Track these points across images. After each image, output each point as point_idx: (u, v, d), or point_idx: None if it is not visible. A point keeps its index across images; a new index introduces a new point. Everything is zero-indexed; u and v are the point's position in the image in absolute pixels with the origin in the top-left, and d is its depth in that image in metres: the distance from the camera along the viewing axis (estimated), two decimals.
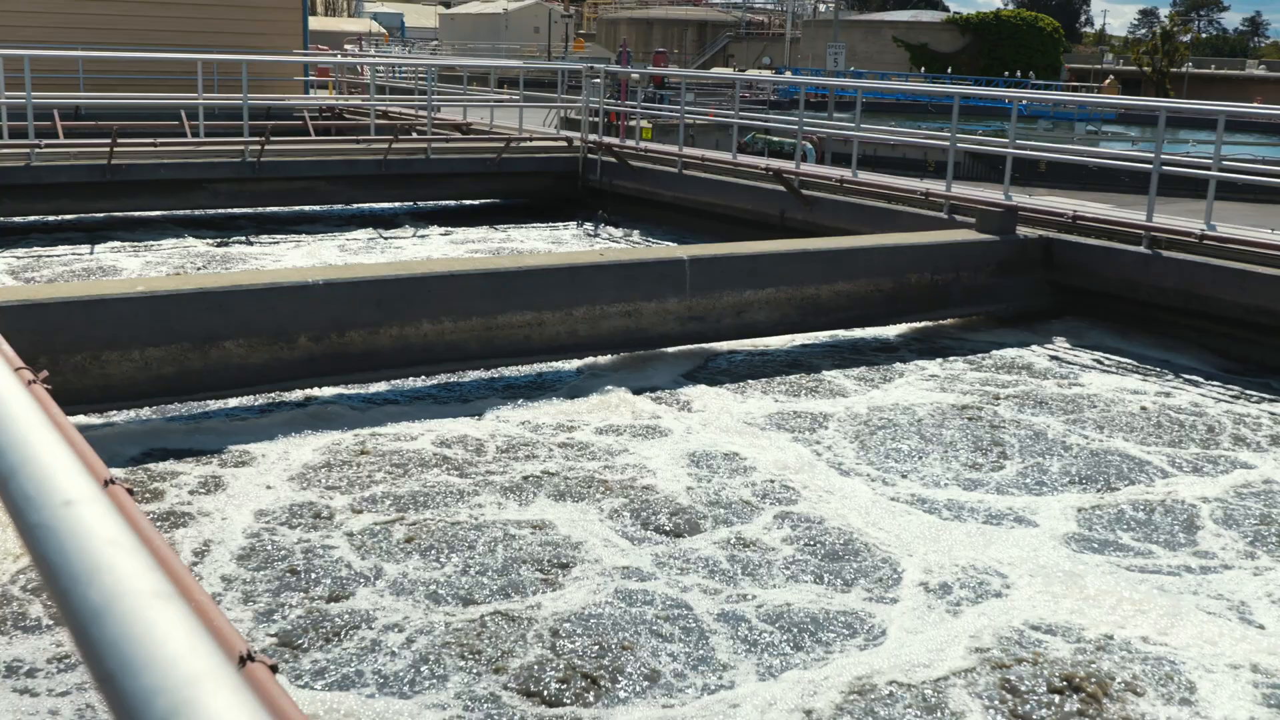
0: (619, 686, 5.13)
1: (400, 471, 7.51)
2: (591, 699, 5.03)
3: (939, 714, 5.00)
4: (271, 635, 5.47)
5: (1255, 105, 15.14)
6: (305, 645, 5.40)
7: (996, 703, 5.11)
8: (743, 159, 16.92)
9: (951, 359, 10.84)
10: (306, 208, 17.98)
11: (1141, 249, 11.57)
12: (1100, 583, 6.31)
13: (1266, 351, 10.71)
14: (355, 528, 6.65)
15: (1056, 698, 5.17)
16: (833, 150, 22.25)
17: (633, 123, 20.19)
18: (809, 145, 22.29)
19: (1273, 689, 5.31)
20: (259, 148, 16.41)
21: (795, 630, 5.68)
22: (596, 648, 5.43)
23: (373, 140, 18.41)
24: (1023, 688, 5.23)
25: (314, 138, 19.62)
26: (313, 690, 5.03)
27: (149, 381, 8.20)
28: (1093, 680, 5.31)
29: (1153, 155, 12.03)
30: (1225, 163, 12.09)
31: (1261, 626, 5.93)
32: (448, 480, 7.39)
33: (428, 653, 5.36)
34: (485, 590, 5.96)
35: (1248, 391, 10.09)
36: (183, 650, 0.78)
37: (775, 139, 24.08)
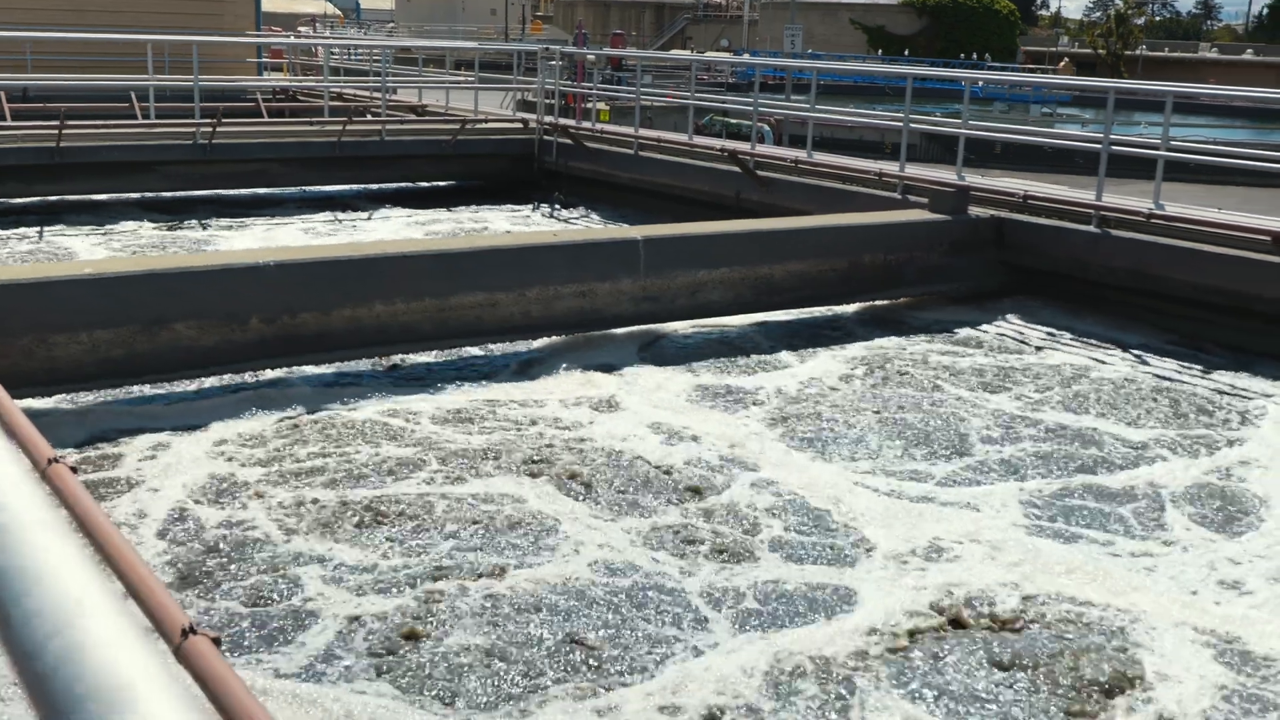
0: (592, 655, 5.15)
1: (355, 450, 7.49)
2: (562, 667, 5.05)
3: (906, 674, 5.06)
4: (216, 614, 5.45)
5: (1203, 86, 15.31)
6: (249, 625, 5.38)
7: (957, 662, 5.18)
8: (699, 140, 16.93)
9: (905, 338, 10.92)
10: (260, 190, 17.83)
11: (1091, 228, 11.68)
12: (1055, 553, 6.41)
13: (1216, 330, 10.85)
14: (309, 507, 6.63)
15: (1017, 658, 5.25)
16: (790, 132, 22.30)
17: (589, 105, 20.15)
18: (767, 128, 22.32)
19: (1225, 648, 5.42)
20: (210, 130, 16.25)
21: (761, 597, 5.73)
22: (568, 618, 5.45)
23: (327, 122, 18.28)
24: (980, 650, 5.30)
25: (267, 120, 19.44)
26: (260, 670, 5.02)
27: (96, 364, 8.12)
28: (1053, 641, 5.40)
29: (1102, 135, 12.15)
30: (1174, 143, 12.22)
31: (1216, 600, 6.02)
32: (403, 456, 7.38)
33: (383, 631, 5.36)
34: (442, 564, 5.96)
35: (1196, 369, 10.23)
36: (64, 573, 0.78)
37: (733, 121, 24.11)
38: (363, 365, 9.28)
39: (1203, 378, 9.96)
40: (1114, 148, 12.03)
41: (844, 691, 4.99)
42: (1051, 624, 5.66)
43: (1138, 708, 4.98)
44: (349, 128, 17.60)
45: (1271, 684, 5.19)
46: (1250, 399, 9.42)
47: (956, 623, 5.63)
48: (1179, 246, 10.99)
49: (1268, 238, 10.20)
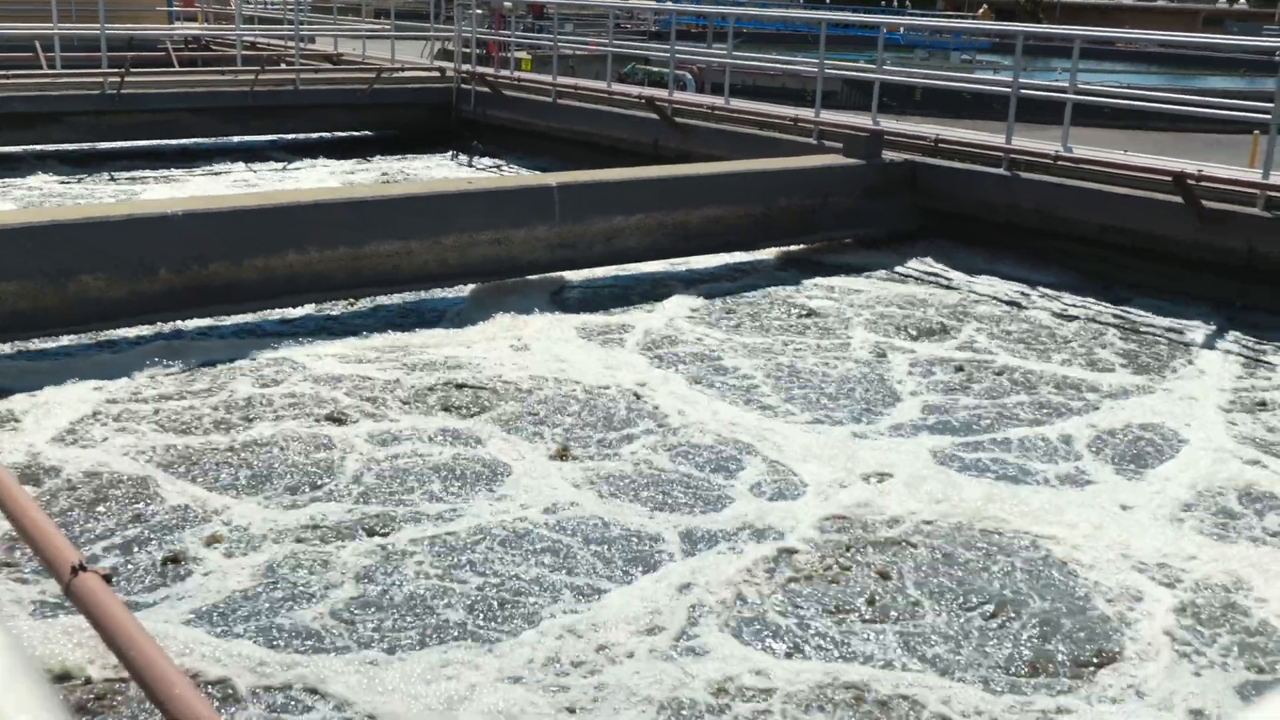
0: (529, 596, 5.22)
1: (275, 398, 7.47)
2: (468, 607, 5.12)
3: (833, 594, 5.20)
4: (108, 560, 5.45)
5: (1109, 30, 15.56)
6: (143, 571, 5.39)
7: (883, 579, 5.33)
8: (617, 88, 16.89)
9: (820, 281, 11.05)
10: (173, 141, 17.50)
11: (1001, 171, 11.87)
12: (973, 484, 6.60)
13: (1122, 269, 11.09)
14: (212, 454, 6.61)
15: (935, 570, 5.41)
16: (713, 80, 22.27)
17: (505, 54, 19.98)
18: (689, 76, 22.29)
19: (1141, 563, 5.64)
20: (119, 80, 15.90)
21: (663, 529, 5.83)
22: (472, 557, 5.52)
23: (240, 71, 17.97)
24: (903, 567, 5.46)
25: (178, 69, 19.07)
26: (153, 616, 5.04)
27: (3, 317, 8.00)
28: (978, 555, 5.57)
29: (1012, 80, 12.32)
30: (1082, 87, 12.42)
31: (1135, 527, 6.23)
32: (307, 402, 7.37)
33: (277, 576, 5.39)
34: (344, 507, 6.00)
35: (1103, 307, 10.48)
36: None
37: (655, 69, 24.02)
38: (278, 315, 9.22)
39: (1110, 316, 10.21)
40: (1023, 92, 12.21)
41: (770, 612, 5.11)
42: (969, 545, 5.83)
43: (1051, 623, 5.18)
44: (261, 77, 17.32)
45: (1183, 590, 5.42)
46: (1155, 335, 9.68)
47: (873, 543, 5.78)
48: (1084, 188, 11.22)
49: (1169, 178, 10.44)
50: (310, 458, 6.64)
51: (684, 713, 4.47)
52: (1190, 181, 10.29)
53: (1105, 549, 5.89)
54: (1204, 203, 10.32)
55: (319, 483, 6.33)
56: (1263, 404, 8.19)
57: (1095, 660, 4.94)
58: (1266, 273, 10.15)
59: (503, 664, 4.71)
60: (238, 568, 5.41)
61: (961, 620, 5.21)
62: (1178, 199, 10.45)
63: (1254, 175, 10.46)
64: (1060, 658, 4.95)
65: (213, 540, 5.66)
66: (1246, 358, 9.19)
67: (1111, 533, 6.07)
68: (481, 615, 5.09)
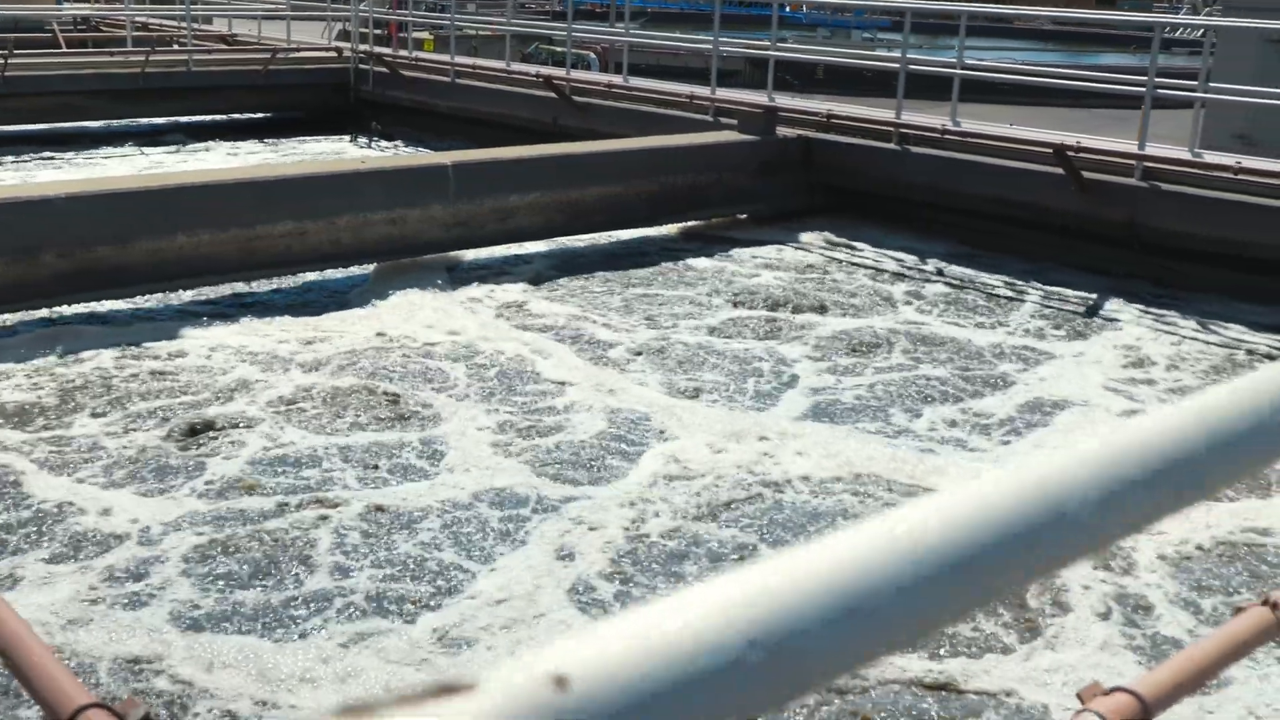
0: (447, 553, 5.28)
1: (162, 382, 7.41)
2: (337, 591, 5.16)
3: (730, 532, 5.33)
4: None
5: (994, 5, 15.92)
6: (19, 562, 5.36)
7: (775, 522, 5.47)
8: (516, 67, 16.85)
9: (714, 256, 11.17)
10: (63, 125, 17.10)
11: (892, 145, 12.09)
12: (865, 449, 6.79)
13: (1010, 239, 11.36)
14: (106, 441, 6.56)
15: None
16: (616, 61, 22.32)
17: (404, 34, 19.84)
18: (593, 56, 22.31)
19: None
20: (2, 62, 15.52)
21: (550, 495, 5.93)
22: (356, 538, 5.56)
23: (130, 53, 17.62)
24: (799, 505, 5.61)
25: (66, 50, 18.65)
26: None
27: None
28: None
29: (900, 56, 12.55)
30: (969, 62, 12.70)
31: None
32: (208, 380, 7.33)
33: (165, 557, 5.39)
34: (228, 495, 6.00)
35: (989, 275, 10.75)
36: None
37: (559, 49, 23.98)
38: (170, 300, 9.12)
39: (999, 286, 10.48)
40: (912, 67, 12.44)
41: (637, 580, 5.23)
42: (854, 507, 6.01)
43: None
44: (152, 58, 17.02)
45: None
46: (1042, 304, 9.97)
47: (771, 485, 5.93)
48: (972, 161, 11.47)
49: (1049, 150, 10.72)
50: (202, 443, 6.61)
51: None
52: (1070, 153, 10.58)
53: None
54: (1084, 174, 10.61)
55: (209, 465, 6.32)
56: (1142, 364, 8.51)
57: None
58: (1145, 241, 10.48)
59: (385, 644, 4.77)
60: (113, 553, 5.39)
61: None
62: (1060, 170, 10.73)
63: (1131, 146, 10.78)
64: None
65: (93, 526, 5.63)
66: (1129, 324, 9.51)
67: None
68: (375, 594, 5.14)
